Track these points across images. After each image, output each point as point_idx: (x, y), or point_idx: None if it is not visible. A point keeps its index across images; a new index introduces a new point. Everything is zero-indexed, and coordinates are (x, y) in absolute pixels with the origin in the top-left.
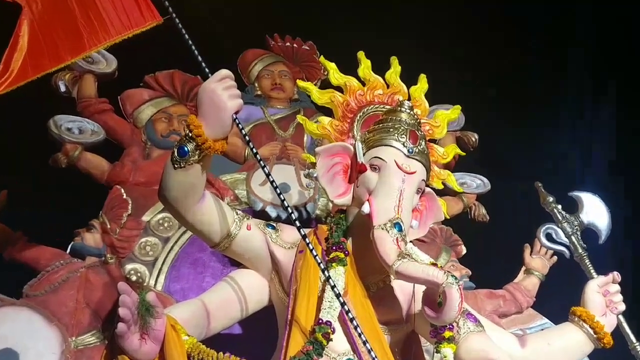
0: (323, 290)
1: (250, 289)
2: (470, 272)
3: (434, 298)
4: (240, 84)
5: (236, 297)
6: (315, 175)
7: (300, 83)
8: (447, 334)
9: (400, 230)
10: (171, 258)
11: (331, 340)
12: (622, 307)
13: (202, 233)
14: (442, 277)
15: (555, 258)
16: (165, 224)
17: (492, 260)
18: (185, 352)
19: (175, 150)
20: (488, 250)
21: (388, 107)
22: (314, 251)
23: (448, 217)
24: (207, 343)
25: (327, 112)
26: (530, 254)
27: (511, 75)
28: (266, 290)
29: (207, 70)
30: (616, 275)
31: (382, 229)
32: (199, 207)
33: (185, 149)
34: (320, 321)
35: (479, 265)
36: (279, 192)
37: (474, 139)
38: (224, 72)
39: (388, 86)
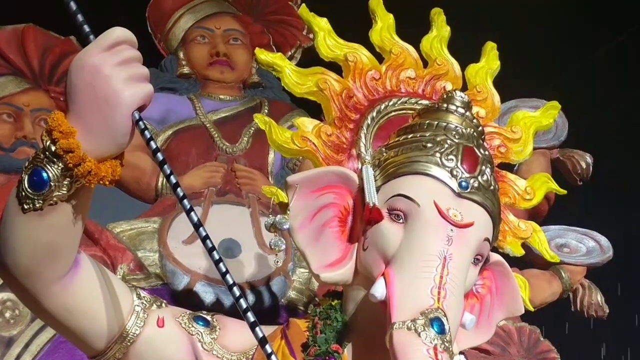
0: None
1: None
2: None
3: None
4: (151, 53)
5: None
6: (287, 227)
7: (263, 54)
8: None
9: (441, 331)
10: None
11: None
12: None
13: (73, 332)
14: None
15: None
16: (7, 314)
17: None
18: None
19: (26, 179)
20: None
21: (424, 102)
22: None
23: (533, 310)
24: None
25: (312, 109)
26: None
27: None
28: None
29: (87, 28)
30: None
31: (409, 329)
32: (66, 283)
33: (45, 175)
34: None
35: None
36: (217, 257)
37: (584, 165)
38: (118, 32)
39: (425, 64)
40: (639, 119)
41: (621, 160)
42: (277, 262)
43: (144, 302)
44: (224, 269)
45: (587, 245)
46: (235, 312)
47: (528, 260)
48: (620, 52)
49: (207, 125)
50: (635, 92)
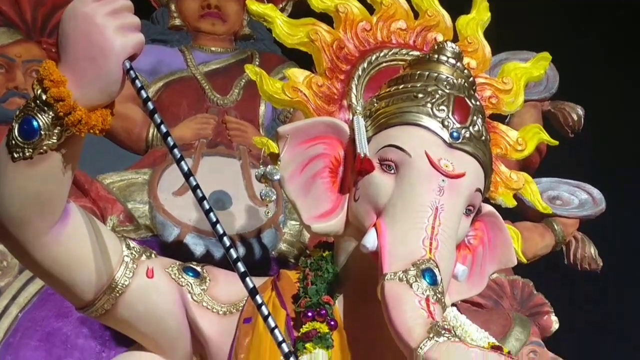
0: None
1: None
2: None
3: None
4: (143, 6)
5: None
6: (277, 177)
7: (254, 6)
8: None
9: (433, 282)
10: (3, 329)
11: None
12: None
13: (62, 282)
14: None
15: None
16: None
17: (610, 345)
18: None
19: (16, 127)
20: (601, 324)
21: (415, 53)
22: (271, 321)
23: (526, 262)
24: None
25: (303, 62)
26: None
27: None
28: None
29: None
30: None
31: (400, 280)
32: (56, 233)
33: (35, 123)
34: None
35: (584, 354)
36: (208, 207)
37: (576, 117)
38: None
39: (416, 15)
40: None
41: (612, 112)
42: (268, 212)
43: (133, 253)
44: (214, 219)
45: (579, 198)
46: (225, 264)
47: (520, 213)
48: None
49: (198, 77)
50: None
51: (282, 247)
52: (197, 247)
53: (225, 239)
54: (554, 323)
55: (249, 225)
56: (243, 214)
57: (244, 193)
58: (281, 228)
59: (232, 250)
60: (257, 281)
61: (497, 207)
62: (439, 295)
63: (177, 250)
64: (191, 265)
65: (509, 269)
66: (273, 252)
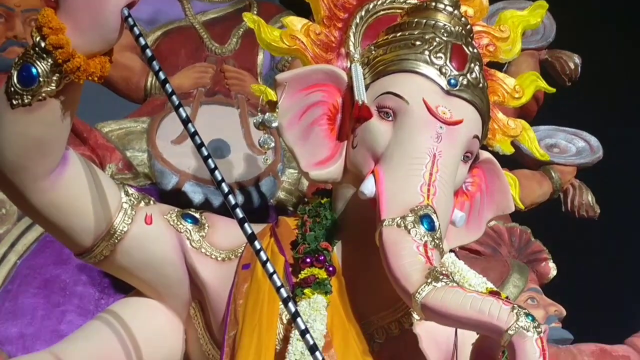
0: (287, 340)
1: (149, 337)
2: (563, 311)
3: (493, 357)
4: None
5: (122, 353)
6: (275, 125)
7: None
8: None
9: (431, 228)
10: (2, 276)
11: None
12: None
13: (60, 228)
14: (508, 316)
15: None
16: None
17: (605, 291)
18: None
19: (15, 74)
20: (597, 271)
21: (413, 1)
22: (270, 266)
23: (524, 208)
24: None
25: (301, 10)
26: None
27: None
28: (179, 339)
29: None
30: None
31: (398, 226)
32: (55, 179)
33: (34, 70)
34: None
35: (581, 301)
36: (206, 153)
37: (573, 65)
38: None
39: None
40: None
41: (609, 61)
42: (266, 159)
43: (132, 200)
44: (212, 165)
45: (576, 146)
46: (224, 212)
47: (518, 161)
48: None
49: (197, 26)
50: None
51: (280, 195)
52: (196, 195)
53: (223, 185)
54: (552, 270)
55: (248, 173)
56: (241, 162)
57: (243, 142)
58: (279, 176)
59: (230, 197)
60: (256, 228)
61: (495, 154)
62: (437, 241)
63: (175, 199)
64: (190, 212)
65: (507, 216)
66: (271, 200)
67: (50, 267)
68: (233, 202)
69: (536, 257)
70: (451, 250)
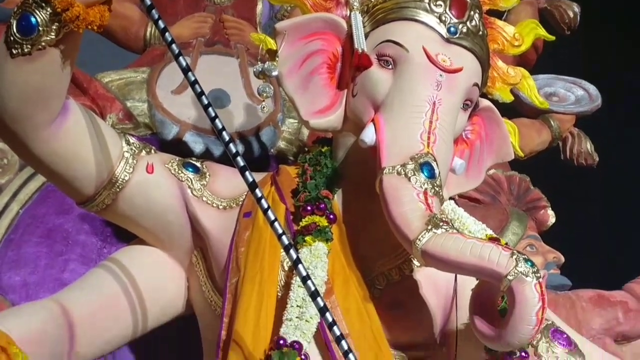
0: (288, 287)
1: (151, 284)
2: (562, 258)
3: (492, 301)
4: None
5: (125, 300)
6: (275, 73)
7: None
8: None
9: (431, 176)
10: (4, 225)
11: None
12: None
13: (62, 177)
14: (507, 262)
15: None
16: None
17: (603, 237)
18: None
19: (14, 24)
20: (595, 219)
21: None
22: (271, 214)
23: (523, 156)
24: None
25: None
26: None
27: None
28: (181, 286)
29: None
30: None
31: (399, 174)
32: (56, 128)
33: (33, 20)
34: (282, 342)
35: (578, 247)
36: (207, 102)
37: (572, 14)
38: None
39: None
40: None
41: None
42: (264, 107)
43: (133, 148)
44: (213, 114)
45: (575, 94)
46: (225, 162)
47: (517, 110)
48: None
49: None
50: None
51: (281, 145)
52: (197, 145)
53: (224, 133)
54: (551, 217)
55: (248, 123)
56: (241, 112)
57: (242, 91)
58: (280, 126)
59: (231, 145)
60: (257, 177)
61: (495, 103)
62: (437, 189)
63: (176, 149)
64: (191, 161)
65: (506, 164)
66: (272, 150)
67: (52, 216)
68: (234, 150)
69: (535, 204)
70: (451, 198)
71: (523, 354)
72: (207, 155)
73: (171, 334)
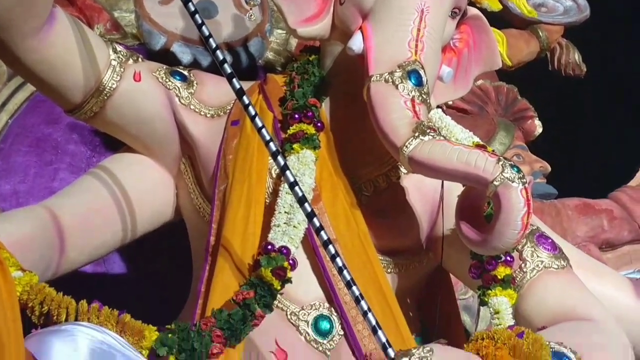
0: (276, 194)
1: (140, 191)
2: (548, 167)
3: (478, 207)
4: None
5: (114, 206)
6: None
7: None
8: (500, 271)
9: (418, 83)
10: None
11: (289, 282)
12: None
13: (51, 85)
14: (494, 168)
15: None
16: None
17: (589, 147)
18: (16, 298)
19: None
20: (581, 129)
21: None
22: (258, 121)
23: (511, 65)
24: (58, 285)
25: None
26: None
27: None
28: (170, 193)
29: None
30: None
31: (386, 81)
32: (43, 36)
33: None
34: (270, 247)
35: (565, 156)
36: (193, 9)
37: None
38: None
39: None
40: None
41: None
42: (252, 15)
43: (120, 57)
44: (199, 21)
45: (564, 5)
46: (213, 71)
47: (506, 20)
48: None
49: None
50: None
51: (269, 56)
52: (184, 55)
53: (211, 40)
54: (538, 127)
55: (236, 34)
56: (229, 22)
57: (230, 1)
58: (267, 37)
59: (218, 52)
60: (244, 85)
61: (484, 12)
62: (425, 96)
63: (164, 59)
64: (178, 70)
65: (494, 75)
66: (260, 61)
67: (41, 126)
68: (221, 57)
69: (522, 115)
70: (438, 107)
71: (508, 258)
72: (195, 65)
73: (161, 242)
